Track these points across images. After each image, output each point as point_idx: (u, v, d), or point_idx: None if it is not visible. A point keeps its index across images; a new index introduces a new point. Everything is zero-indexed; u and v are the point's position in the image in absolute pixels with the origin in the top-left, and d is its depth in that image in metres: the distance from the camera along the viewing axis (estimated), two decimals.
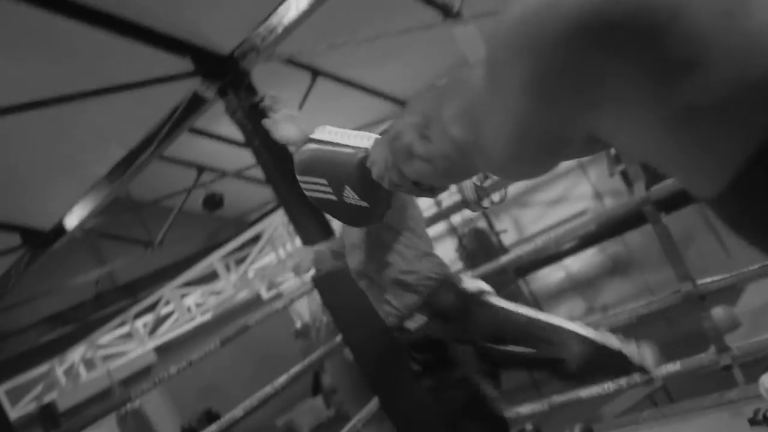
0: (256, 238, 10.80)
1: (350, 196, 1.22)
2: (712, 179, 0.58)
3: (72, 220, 6.14)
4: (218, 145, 10.11)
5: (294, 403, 12.56)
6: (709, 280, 3.05)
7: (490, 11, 6.95)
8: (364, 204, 1.21)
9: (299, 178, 1.32)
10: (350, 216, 1.31)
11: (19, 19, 4.63)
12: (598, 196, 9.05)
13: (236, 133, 9.69)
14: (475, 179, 1.86)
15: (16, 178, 5.90)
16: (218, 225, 12.27)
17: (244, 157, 10.03)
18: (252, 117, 4.56)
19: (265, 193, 11.85)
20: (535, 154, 0.72)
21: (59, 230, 6.21)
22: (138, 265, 10.61)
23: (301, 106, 8.48)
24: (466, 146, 0.76)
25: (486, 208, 1.59)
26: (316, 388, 13.09)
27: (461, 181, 1.22)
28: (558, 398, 3.77)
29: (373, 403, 3.55)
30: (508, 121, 0.67)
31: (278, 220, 7.64)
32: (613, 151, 2.88)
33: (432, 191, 1.06)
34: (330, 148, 1.22)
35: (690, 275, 3.05)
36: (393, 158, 0.98)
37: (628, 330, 3.03)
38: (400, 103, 10.14)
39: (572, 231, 3.77)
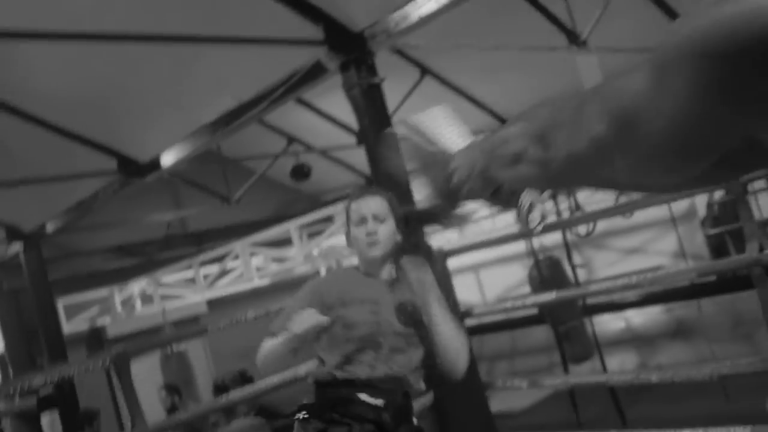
0: (328, 218, 10.96)
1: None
2: None
3: (168, 159, 6.33)
4: (314, 119, 10.27)
5: None
6: None
7: (616, 46, 6.87)
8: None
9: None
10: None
11: None
12: (678, 255, 8.83)
13: (335, 111, 9.88)
14: (535, 198, 1.88)
15: (126, 105, 6.11)
16: (293, 197, 12.47)
17: (334, 137, 10.19)
18: (368, 97, 4.62)
19: (345, 177, 11.99)
20: (687, 155, 0.73)
21: (154, 165, 6.40)
22: (210, 217, 10.89)
23: (402, 102, 8.55)
24: (607, 145, 0.78)
25: (537, 230, 1.58)
26: None
27: (568, 187, 1.25)
28: None
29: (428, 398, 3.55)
30: (671, 121, 0.69)
31: None
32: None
33: (507, 202, 1.11)
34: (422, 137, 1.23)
35: None
36: (487, 164, 1.01)
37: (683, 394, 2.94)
38: (500, 119, 10.11)
39: (665, 278, 3.69)
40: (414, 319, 2.33)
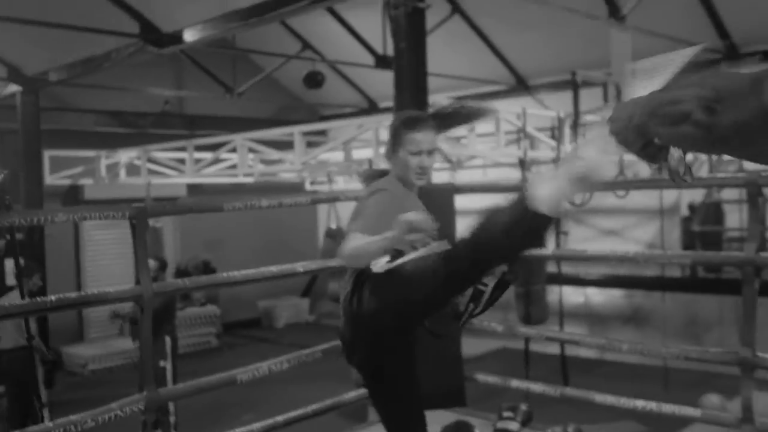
0: (322, 132, 10.96)
1: None
2: None
3: (191, 35, 6.25)
4: (333, 29, 10.16)
5: (280, 294, 12.90)
6: None
7: (653, 29, 6.89)
8: None
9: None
10: None
11: None
12: (652, 246, 9.07)
13: (359, 28, 9.77)
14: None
15: None
16: (294, 103, 12.42)
17: (349, 53, 10.11)
18: (410, 20, 4.62)
19: (350, 96, 11.95)
20: None
21: (176, 38, 6.32)
22: (209, 104, 10.82)
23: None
24: None
25: (686, 182, 1.68)
26: (308, 291, 13.43)
27: (722, 152, 1.34)
28: (570, 391, 3.91)
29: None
30: None
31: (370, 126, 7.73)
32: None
33: (653, 157, 1.22)
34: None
35: (754, 344, 3.14)
36: (648, 120, 1.12)
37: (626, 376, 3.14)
38: (516, 74, 10.11)
39: (660, 258, 3.84)
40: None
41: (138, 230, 2.83)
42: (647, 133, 1.15)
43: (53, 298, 2.41)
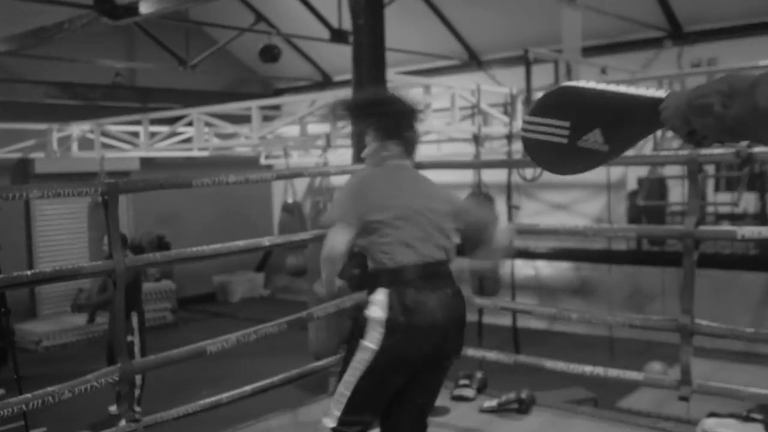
0: (276, 107, 10.94)
1: (592, 139, 1.46)
2: None
3: (146, 6, 6.18)
4: (291, 2, 10.13)
5: (235, 269, 12.91)
6: (705, 323, 3.36)
7: (600, 8, 7.09)
8: (603, 148, 1.46)
9: (529, 119, 1.55)
10: (570, 160, 1.54)
11: None
12: (600, 220, 9.38)
13: (315, 1, 9.73)
14: None
15: None
16: (247, 76, 12.34)
17: (303, 26, 10.10)
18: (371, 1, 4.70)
19: (303, 69, 11.93)
20: None
21: (132, 9, 6.24)
22: (161, 76, 10.69)
23: None
24: (763, 116, 1.16)
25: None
26: (262, 265, 13.47)
27: (733, 140, 1.53)
28: (523, 359, 4.11)
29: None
30: None
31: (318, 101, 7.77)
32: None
33: (698, 143, 1.40)
34: (617, 91, 1.45)
35: (692, 312, 3.36)
36: (688, 110, 1.32)
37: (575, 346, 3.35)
38: (469, 50, 10.24)
39: (608, 231, 4.03)
40: None
41: (110, 206, 2.88)
42: (688, 121, 1.34)
43: (29, 272, 2.46)
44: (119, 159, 9.73)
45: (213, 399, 3.23)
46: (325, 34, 9.16)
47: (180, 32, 9.54)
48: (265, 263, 13.32)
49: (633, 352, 7.45)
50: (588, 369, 3.73)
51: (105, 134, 9.24)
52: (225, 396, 3.25)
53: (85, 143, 9.57)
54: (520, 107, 7.83)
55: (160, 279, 11.14)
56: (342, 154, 8.33)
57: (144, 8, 6.20)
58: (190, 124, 8.50)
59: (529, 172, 7.01)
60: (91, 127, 9.16)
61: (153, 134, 8.84)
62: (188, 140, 9.30)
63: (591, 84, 1.50)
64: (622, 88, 1.47)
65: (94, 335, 9.57)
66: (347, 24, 8.28)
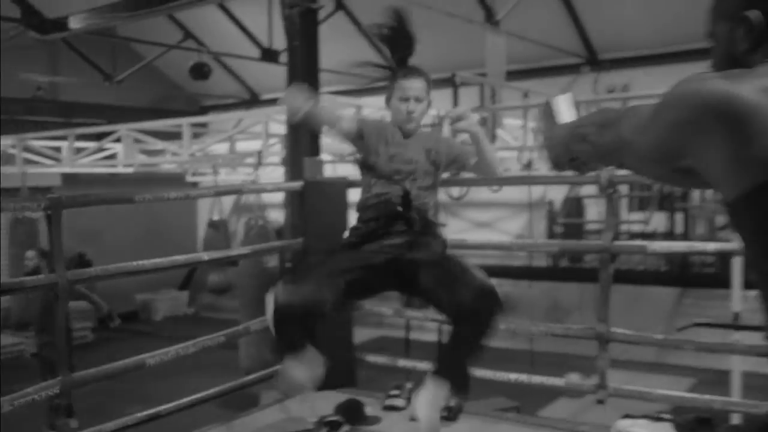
0: (204, 124, 10.90)
1: None
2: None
3: (75, 22, 6.15)
4: (217, 21, 10.16)
5: (158, 287, 12.72)
6: (620, 330, 3.61)
7: (524, 35, 7.44)
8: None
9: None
10: None
11: None
12: (521, 237, 9.73)
13: (246, 21, 9.77)
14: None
15: None
16: (174, 92, 12.26)
17: (232, 44, 10.14)
18: (305, 20, 4.83)
19: (231, 87, 11.94)
20: (658, 159, 1.30)
21: (60, 25, 6.20)
22: (85, 91, 10.51)
23: None
24: (625, 144, 1.34)
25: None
26: (186, 283, 13.30)
27: (604, 165, 1.73)
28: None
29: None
30: (653, 137, 1.26)
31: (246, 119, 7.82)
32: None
33: (578, 168, 1.58)
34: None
35: (608, 321, 3.60)
36: (570, 138, 1.50)
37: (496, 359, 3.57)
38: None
39: (531, 246, 4.26)
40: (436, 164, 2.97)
41: (53, 221, 2.91)
42: (570, 150, 1.51)
43: None
44: (40, 174, 9.49)
45: (151, 411, 3.25)
46: (255, 52, 9.24)
47: (106, 47, 9.44)
48: (190, 281, 13.16)
49: (552, 364, 7.76)
50: (513, 376, 3.93)
51: (27, 149, 9.01)
52: (163, 408, 3.28)
53: (7, 158, 9.31)
54: (447, 128, 8.07)
55: (79, 298, 10.86)
56: (271, 172, 8.40)
57: (74, 23, 6.18)
58: (117, 140, 8.41)
59: (455, 191, 7.25)
60: (13, 141, 8.93)
61: (78, 150, 8.69)
62: (112, 156, 9.17)
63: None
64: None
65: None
66: (278, 43, 8.38)
